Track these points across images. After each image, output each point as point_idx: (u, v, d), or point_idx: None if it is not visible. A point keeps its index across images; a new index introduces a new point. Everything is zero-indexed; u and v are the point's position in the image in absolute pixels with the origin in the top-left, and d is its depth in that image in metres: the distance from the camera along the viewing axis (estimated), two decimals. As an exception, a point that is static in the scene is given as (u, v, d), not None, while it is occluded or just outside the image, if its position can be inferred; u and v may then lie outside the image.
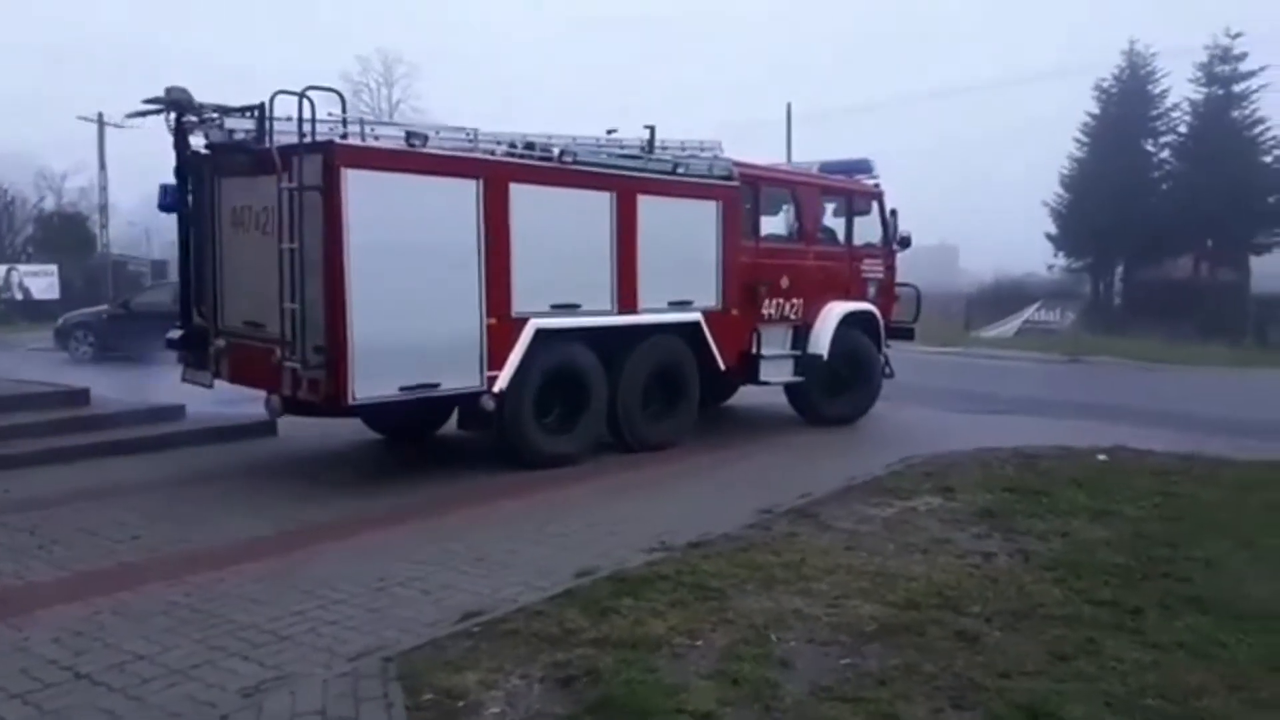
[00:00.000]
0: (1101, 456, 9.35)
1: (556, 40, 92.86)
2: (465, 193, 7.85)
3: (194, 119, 7.99)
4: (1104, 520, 6.86)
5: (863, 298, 11.89)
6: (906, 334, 12.75)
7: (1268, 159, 33.91)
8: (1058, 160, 38.71)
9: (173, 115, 8.02)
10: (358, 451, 9.68)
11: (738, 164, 10.39)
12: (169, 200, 8.53)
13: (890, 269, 12.42)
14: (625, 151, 9.62)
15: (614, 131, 10.16)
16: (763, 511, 7.08)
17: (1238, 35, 34.01)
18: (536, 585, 5.34)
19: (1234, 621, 4.76)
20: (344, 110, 7.90)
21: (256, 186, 7.73)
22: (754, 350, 10.61)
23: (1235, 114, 34.41)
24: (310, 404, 7.63)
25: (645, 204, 9.21)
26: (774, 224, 11.42)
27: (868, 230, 12.13)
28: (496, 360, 8.14)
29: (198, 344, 8.60)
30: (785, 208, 11.45)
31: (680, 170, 9.79)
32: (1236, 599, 5.12)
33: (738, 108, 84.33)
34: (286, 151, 7.33)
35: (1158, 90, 36.66)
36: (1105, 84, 37.25)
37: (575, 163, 8.80)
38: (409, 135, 7.88)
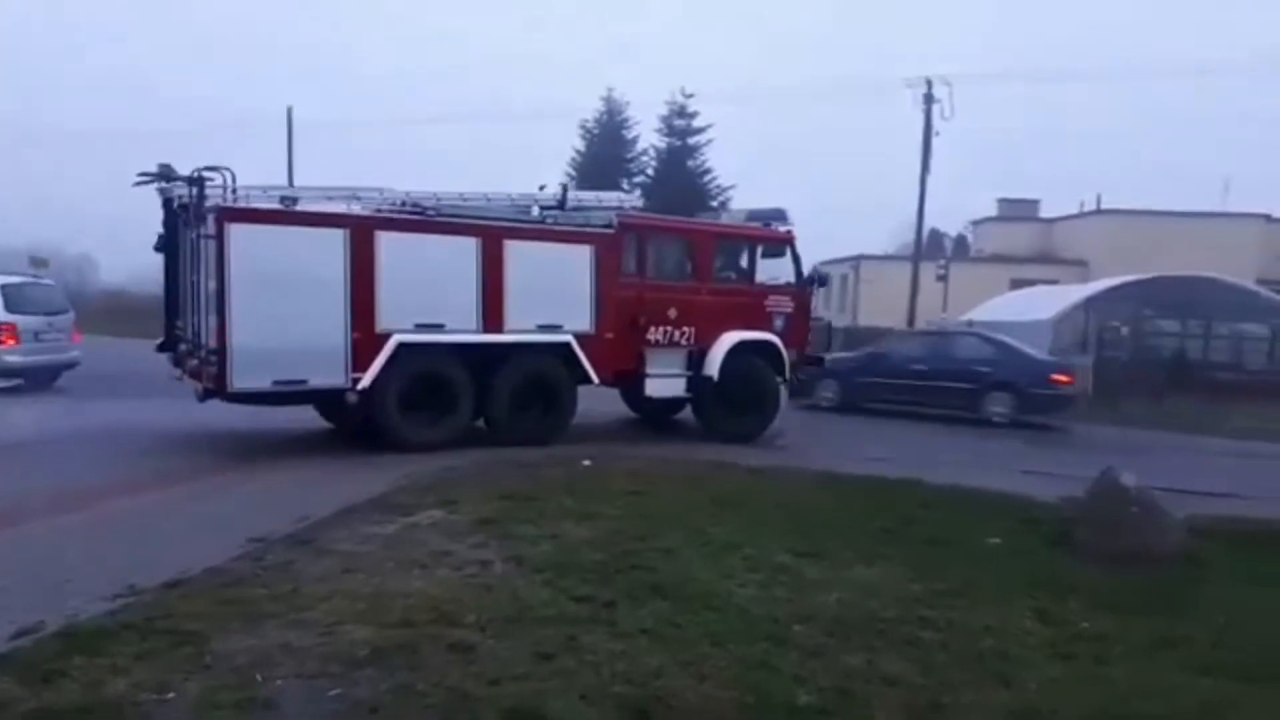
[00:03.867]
0: (586, 462, 10.19)
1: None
2: (334, 240, 10.11)
3: (170, 185, 10.50)
4: (587, 521, 7.42)
5: (767, 329, 13.18)
6: (817, 363, 14.35)
7: (714, 204, 39.97)
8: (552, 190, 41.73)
9: (161, 182, 10.55)
10: None
11: (624, 215, 12.24)
12: (159, 244, 11.13)
13: (801, 305, 13.66)
14: (501, 206, 11.53)
15: (544, 188, 12.13)
16: (255, 540, 6.58)
17: (690, 95, 39.80)
18: (-46, 656, 4.37)
19: (686, 604, 5.45)
20: (234, 180, 10.00)
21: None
22: (639, 370, 12.35)
23: (690, 163, 40.11)
24: (211, 391, 9.94)
25: (513, 247, 11.16)
26: (667, 264, 13.11)
27: (783, 270, 13.56)
28: (361, 365, 10.32)
29: (174, 349, 11.25)
30: (677, 251, 13.14)
31: (550, 220, 11.61)
32: (688, 582, 5.87)
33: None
34: (202, 211, 9.76)
35: (631, 135, 41.45)
36: (589, 124, 41.19)
37: (440, 216, 10.82)
38: (282, 198, 10.11)
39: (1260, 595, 6.31)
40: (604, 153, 40.39)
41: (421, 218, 10.76)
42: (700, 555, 6.58)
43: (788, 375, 13.45)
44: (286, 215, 9.99)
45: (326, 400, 11.18)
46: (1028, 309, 23.88)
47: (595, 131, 41.08)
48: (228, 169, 9.99)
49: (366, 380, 10.37)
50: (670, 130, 40.42)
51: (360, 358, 10.31)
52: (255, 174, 10.98)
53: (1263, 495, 10.05)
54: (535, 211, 11.69)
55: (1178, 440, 15.28)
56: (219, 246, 9.58)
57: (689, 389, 12.82)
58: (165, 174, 10.42)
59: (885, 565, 6.60)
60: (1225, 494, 10.04)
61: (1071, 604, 5.96)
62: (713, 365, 12.68)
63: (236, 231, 9.61)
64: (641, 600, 5.49)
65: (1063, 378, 16.78)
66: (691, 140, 40.27)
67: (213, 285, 9.68)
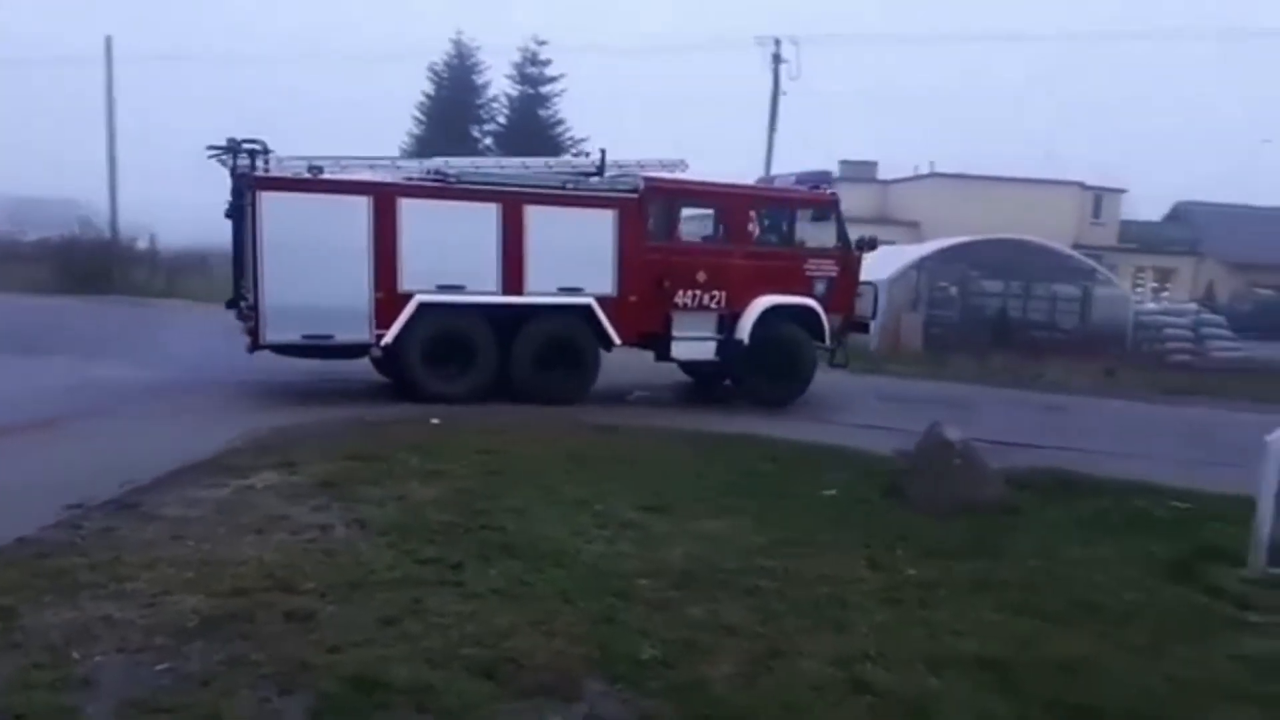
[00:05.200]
0: (435, 421, 10.02)
1: None
2: (358, 206, 10.88)
3: (232, 156, 11.01)
4: (435, 481, 7.30)
5: (805, 293, 13.03)
6: (863, 328, 14.05)
7: (572, 154, 39.55)
8: (399, 136, 40.45)
9: (228, 155, 11.06)
10: None
11: (651, 179, 12.32)
12: (228, 211, 11.45)
13: (846, 270, 13.42)
14: (536, 173, 12.15)
15: (586, 154, 12.80)
16: (72, 507, 6.16)
17: (543, 43, 39.16)
18: None
19: (535, 562, 5.46)
20: (265, 151, 10.85)
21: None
22: (665, 333, 12.54)
23: (543, 112, 39.53)
24: (253, 344, 10.81)
25: (534, 212, 11.61)
26: (697, 227, 13.64)
27: (827, 234, 13.45)
28: (384, 322, 11.09)
29: (238, 306, 11.64)
30: (709, 214, 13.48)
31: (570, 186, 11.96)
32: (538, 541, 5.87)
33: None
34: (245, 180, 10.75)
35: (481, 81, 40.44)
36: (438, 68, 39.90)
37: (460, 183, 11.40)
38: (309, 166, 10.81)
39: (1067, 540, 6.83)
40: (454, 98, 39.32)
41: (443, 185, 11.36)
42: (551, 513, 6.59)
43: (828, 340, 13.34)
44: (314, 183, 10.76)
45: (373, 356, 12.02)
46: (866, 269, 24.76)
47: (445, 76, 39.87)
48: (262, 141, 10.88)
49: (389, 337, 11.16)
50: (523, 78, 39.72)
51: (384, 316, 11.07)
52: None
53: (1072, 446, 10.88)
54: (576, 177, 12.15)
55: (1000, 394, 16.31)
56: (253, 212, 10.57)
57: (719, 353, 12.82)
58: (231, 147, 11.04)
59: (730, 518, 6.80)
60: (1040, 445, 10.82)
61: (900, 552, 6.29)
62: (743, 329, 12.66)
63: (267, 198, 10.53)
64: (491, 560, 5.46)
65: None
66: (544, 89, 39.68)
67: (251, 247, 10.70)
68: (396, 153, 39.52)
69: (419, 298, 11.19)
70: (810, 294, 13.19)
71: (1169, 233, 42.93)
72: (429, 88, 39.99)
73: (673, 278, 12.44)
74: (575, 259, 11.87)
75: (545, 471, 7.86)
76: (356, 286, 10.94)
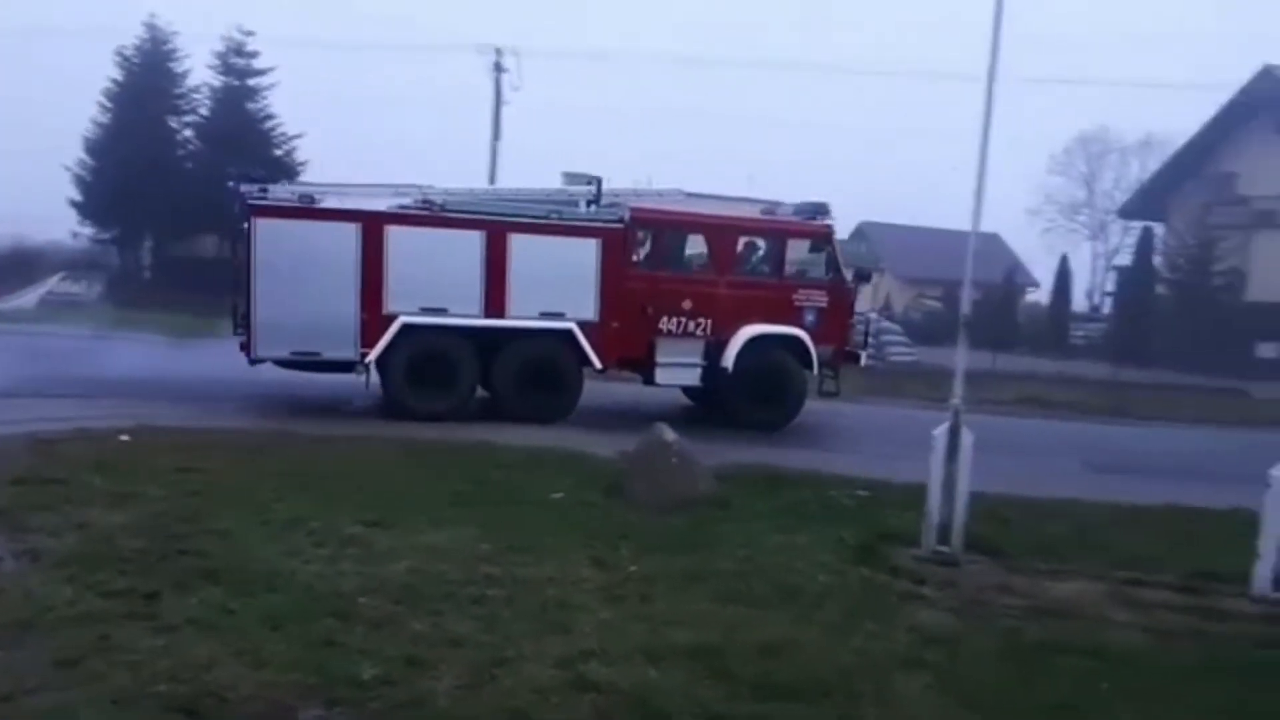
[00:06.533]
0: (124, 437, 9.11)
1: None
2: (347, 232, 11.60)
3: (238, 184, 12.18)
4: (124, 505, 6.68)
5: (793, 323, 12.96)
6: (854, 359, 13.75)
7: (279, 152, 37.25)
8: (81, 123, 36.28)
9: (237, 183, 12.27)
10: None
11: (639, 209, 12.71)
12: (237, 236, 12.47)
13: (838, 300, 13.31)
14: (532, 201, 12.48)
15: (590, 181, 12.82)
16: None
17: (250, 33, 36.57)
18: None
19: (243, 587, 5.11)
20: (267, 180, 12.31)
21: None
22: (649, 358, 12.77)
23: (251, 106, 36.95)
24: (248, 356, 11.61)
25: (517, 240, 12.07)
26: (683, 256, 13.56)
27: (820, 265, 13.42)
28: (369, 341, 11.69)
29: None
30: (695, 243, 13.45)
31: (554, 215, 12.30)
32: (247, 564, 5.50)
33: None
34: (243, 206, 11.58)
35: (180, 69, 37.15)
36: (128, 52, 36.23)
37: (446, 211, 11.91)
38: (300, 195, 11.78)
39: (771, 530, 7.36)
40: (148, 85, 35.82)
41: (429, 213, 11.90)
42: (261, 534, 6.21)
43: (816, 369, 13.21)
44: (306, 211, 11.46)
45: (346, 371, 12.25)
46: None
47: (136, 61, 36.25)
48: (261, 170, 11.41)
49: (373, 355, 11.70)
50: (227, 69, 36.90)
51: (369, 335, 11.65)
52: None
53: (775, 443, 11.76)
54: (582, 206, 12.58)
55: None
56: (248, 236, 11.26)
57: (704, 379, 12.88)
58: (242, 174, 11.92)
59: (456, 528, 6.71)
60: (704, 442, 11.55)
61: (623, 550, 6.51)
62: (727, 357, 12.70)
63: (262, 224, 11.25)
64: (190, 588, 5.05)
65: None
66: (252, 82, 37.11)
67: (246, 268, 11.29)
68: (79, 142, 35.77)
69: (402, 319, 11.69)
70: (799, 324, 13.15)
71: (854, 249, 47.56)
72: (117, 73, 36.20)
73: (656, 305, 12.64)
74: (558, 285, 12.26)
75: (254, 489, 7.38)
76: (344, 307, 11.55)
